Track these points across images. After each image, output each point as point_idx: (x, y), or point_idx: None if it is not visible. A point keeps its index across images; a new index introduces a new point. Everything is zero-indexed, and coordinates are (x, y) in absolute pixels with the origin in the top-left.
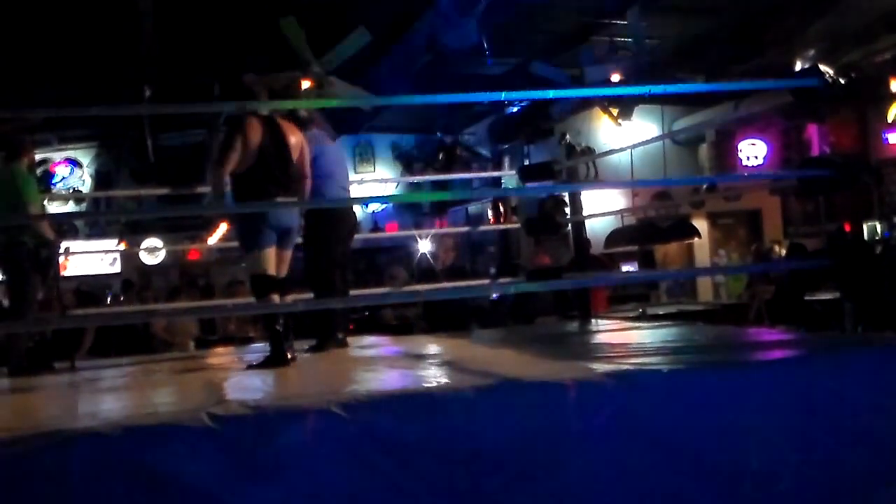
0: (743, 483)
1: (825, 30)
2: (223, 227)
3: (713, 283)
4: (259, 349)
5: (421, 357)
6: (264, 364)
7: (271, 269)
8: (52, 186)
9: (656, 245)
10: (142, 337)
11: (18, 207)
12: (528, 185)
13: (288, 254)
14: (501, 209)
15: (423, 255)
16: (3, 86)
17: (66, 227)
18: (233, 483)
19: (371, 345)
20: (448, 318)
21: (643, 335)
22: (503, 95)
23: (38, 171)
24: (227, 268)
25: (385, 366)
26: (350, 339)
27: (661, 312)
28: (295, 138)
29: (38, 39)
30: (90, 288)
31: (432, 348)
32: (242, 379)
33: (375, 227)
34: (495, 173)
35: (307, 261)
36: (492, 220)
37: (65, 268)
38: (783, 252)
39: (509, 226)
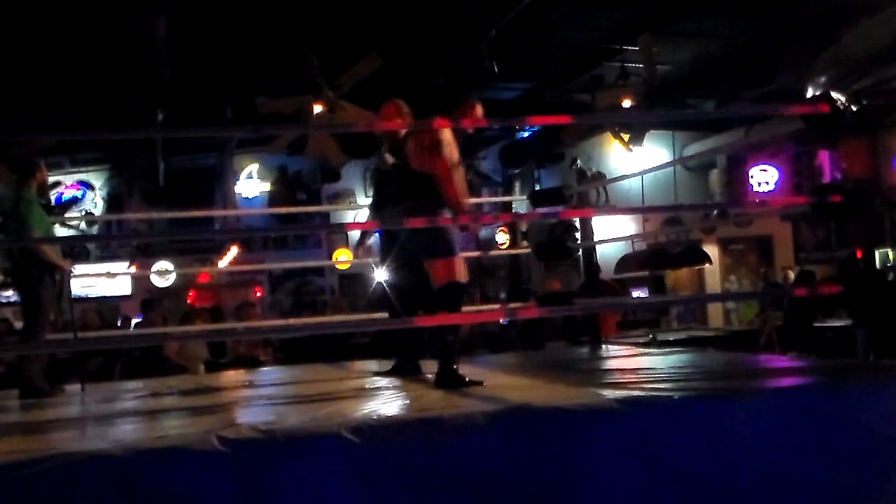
0: None
1: (837, 56)
2: (234, 251)
3: (724, 308)
4: (269, 372)
5: (431, 382)
6: (445, 383)
7: (462, 277)
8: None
9: (667, 271)
10: (153, 360)
11: (25, 232)
12: (539, 209)
13: None
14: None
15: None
16: (17, 109)
17: (77, 249)
18: None
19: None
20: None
21: (654, 361)
22: (514, 120)
23: (52, 193)
24: (237, 291)
25: (394, 390)
26: (357, 364)
27: (671, 338)
28: None
29: (51, 63)
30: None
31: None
32: (253, 402)
33: None
34: (506, 198)
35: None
36: (501, 245)
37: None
38: None
39: (520, 251)
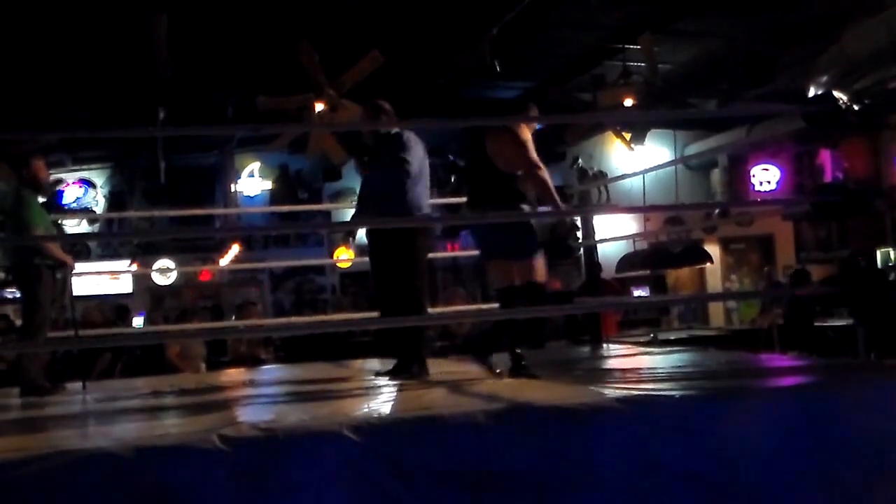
0: None
1: (838, 56)
2: (235, 249)
3: (725, 308)
4: (270, 371)
5: (432, 381)
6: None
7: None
8: (63, 206)
9: (668, 270)
10: (154, 359)
11: (25, 230)
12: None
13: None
14: None
15: None
16: (20, 107)
17: (78, 247)
18: None
19: (380, 368)
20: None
21: (655, 360)
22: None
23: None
24: (238, 289)
25: (395, 389)
26: (358, 363)
27: (672, 337)
28: None
29: (54, 61)
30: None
31: (443, 372)
32: (254, 400)
33: None
34: None
35: (399, 276)
36: None
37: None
38: None
39: None
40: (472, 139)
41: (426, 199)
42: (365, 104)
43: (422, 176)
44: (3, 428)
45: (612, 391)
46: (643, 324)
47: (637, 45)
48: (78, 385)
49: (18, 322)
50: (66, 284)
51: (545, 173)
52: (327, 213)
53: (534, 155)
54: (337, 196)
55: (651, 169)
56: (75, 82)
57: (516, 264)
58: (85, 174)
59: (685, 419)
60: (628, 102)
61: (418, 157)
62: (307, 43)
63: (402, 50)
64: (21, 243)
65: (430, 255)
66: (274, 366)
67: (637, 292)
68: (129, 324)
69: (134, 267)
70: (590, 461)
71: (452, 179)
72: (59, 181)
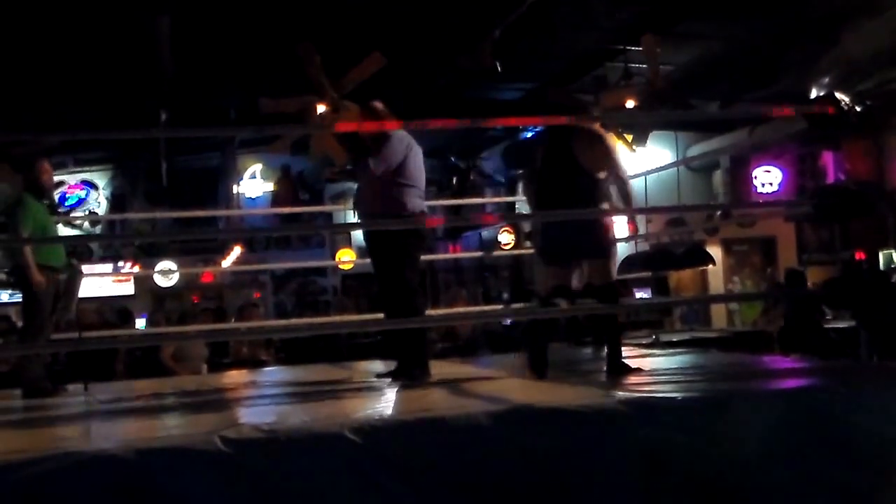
0: None
1: (839, 57)
2: (237, 250)
3: (727, 310)
4: (272, 373)
5: (433, 382)
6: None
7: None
8: (65, 207)
9: (670, 271)
10: (154, 361)
11: (16, 234)
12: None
13: None
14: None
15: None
16: (21, 108)
17: (80, 249)
18: None
19: (382, 369)
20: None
21: (657, 362)
22: (518, 120)
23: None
24: (240, 291)
25: (397, 390)
26: (360, 364)
27: (674, 339)
28: None
29: (56, 62)
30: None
31: (445, 373)
32: (255, 402)
33: None
34: (509, 198)
35: (392, 276)
36: (505, 245)
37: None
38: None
39: (522, 251)
40: (551, 139)
41: (414, 197)
42: (361, 106)
43: (403, 175)
44: (5, 429)
45: (615, 393)
46: (645, 325)
47: (639, 46)
48: (80, 387)
49: (20, 324)
50: (71, 287)
51: (628, 177)
52: (329, 215)
53: (623, 161)
54: (339, 197)
55: (653, 170)
56: (77, 84)
57: (592, 263)
58: (87, 176)
59: (687, 421)
60: (630, 104)
61: (396, 155)
62: (309, 44)
63: (404, 51)
64: (18, 245)
65: (432, 256)
66: (275, 367)
67: (639, 294)
68: (133, 326)
69: (136, 269)
70: (591, 463)
71: (454, 181)
72: (61, 183)
